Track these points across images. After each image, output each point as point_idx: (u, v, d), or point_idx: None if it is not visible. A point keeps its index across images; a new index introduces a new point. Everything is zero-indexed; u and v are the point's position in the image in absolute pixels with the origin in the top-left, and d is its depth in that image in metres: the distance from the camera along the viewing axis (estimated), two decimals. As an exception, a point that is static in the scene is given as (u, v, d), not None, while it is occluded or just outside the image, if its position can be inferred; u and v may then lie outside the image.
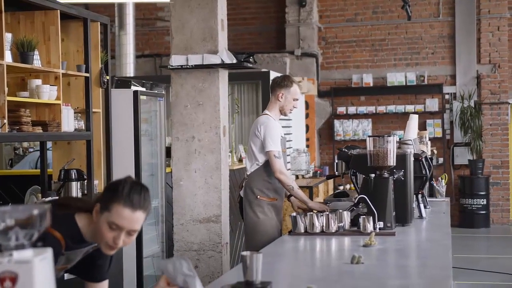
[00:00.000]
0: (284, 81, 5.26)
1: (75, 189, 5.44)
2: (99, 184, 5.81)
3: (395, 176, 4.46)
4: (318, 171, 11.03)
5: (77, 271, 2.88)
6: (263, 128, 5.10)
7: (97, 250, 2.76)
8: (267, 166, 5.12)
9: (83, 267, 2.84)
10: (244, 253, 2.72)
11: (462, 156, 12.44)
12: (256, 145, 5.14)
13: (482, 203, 12.11)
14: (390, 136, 4.41)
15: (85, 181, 5.58)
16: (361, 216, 4.24)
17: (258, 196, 5.14)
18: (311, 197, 8.93)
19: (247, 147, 5.34)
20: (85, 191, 5.60)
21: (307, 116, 12.23)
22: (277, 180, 5.09)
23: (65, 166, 5.53)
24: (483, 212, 12.14)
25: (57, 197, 5.13)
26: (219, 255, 5.70)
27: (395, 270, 3.30)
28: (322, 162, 12.89)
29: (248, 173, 5.25)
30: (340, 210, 4.38)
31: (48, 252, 1.81)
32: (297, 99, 5.28)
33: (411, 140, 5.14)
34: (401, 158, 4.54)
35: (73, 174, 5.45)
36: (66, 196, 5.04)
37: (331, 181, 11.08)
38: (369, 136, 4.45)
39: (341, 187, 11.85)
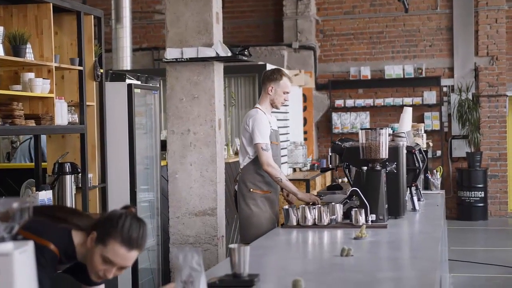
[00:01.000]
0: (274, 75, 5.25)
1: (69, 183, 5.43)
2: (93, 178, 5.81)
3: (388, 168, 4.46)
4: (316, 164, 11.03)
5: (73, 273, 2.86)
6: (251, 121, 5.12)
7: None
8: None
9: (80, 271, 2.82)
10: (231, 246, 2.73)
11: (460, 149, 12.44)
12: (246, 138, 5.17)
13: (480, 196, 12.11)
14: (382, 129, 4.41)
15: (79, 174, 5.58)
16: (353, 209, 4.24)
17: (251, 189, 5.16)
18: (307, 190, 8.93)
19: (242, 142, 5.35)
20: (79, 185, 5.60)
21: (305, 109, 12.23)
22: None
23: (59, 160, 5.53)
24: (481, 204, 12.14)
25: (51, 204, 5.09)
26: (214, 248, 5.71)
27: (383, 262, 3.30)
28: (320, 155, 12.89)
29: (241, 167, 5.27)
30: (333, 203, 4.38)
31: (29, 245, 1.81)
32: (287, 92, 5.27)
33: (404, 132, 5.14)
34: (394, 151, 4.54)
35: (67, 167, 5.44)
36: (61, 206, 4.94)
37: (328, 174, 11.09)
38: (361, 129, 4.45)
39: (339, 180, 11.86)
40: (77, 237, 2.65)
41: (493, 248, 9.93)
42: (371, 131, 4.41)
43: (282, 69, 5.53)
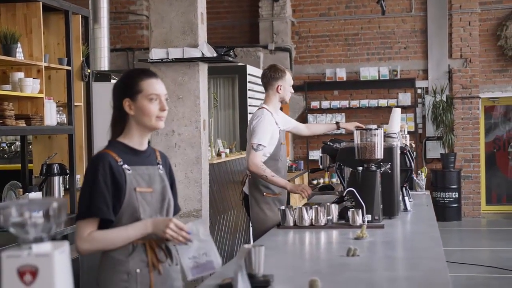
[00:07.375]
0: (278, 73, 5.24)
1: (57, 184, 5.37)
2: (81, 179, 5.74)
3: (382, 169, 4.48)
4: (294, 166, 11.06)
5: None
6: (256, 121, 5.08)
7: None
8: (270, 161, 5.07)
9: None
10: (246, 246, 2.71)
11: (434, 150, 12.58)
12: None
13: (454, 197, 12.25)
14: (377, 129, 4.43)
15: (67, 175, 5.51)
16: (350, 209, 4.25)
17: (264, 193, 5.10)
18: (287, 195, 8.91)
19: (247, 143, 5.21)
20: (67, 186, 5.53)
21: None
22: (272, 173, 5.00)
23: (46, 161, 5.46)
24: (455, 205, 12.29)
25: None
26: (199, 249, 5.67)
27: (391, 262, 3.31)
28: (296, 156, 12.92)
29: (250, 170, 5.11)
30: (328, 203, 4.39)
31: (66, 246, 1.79)
32: (291, 84, 5.36)
33: (395, 133, 5.17)
34: (388, 151, 4.56)
35: (55, 168, 5.38)
36: None
37: (306, 175, 11.13)
38: (356, 129, 4.46)
39: (322, 181, 11.91)
40: (120, 138, 2.90)
41: (468, 248, 10.05)
42: (366, 131, 4.42)
43: (277, 64, 5.53)
